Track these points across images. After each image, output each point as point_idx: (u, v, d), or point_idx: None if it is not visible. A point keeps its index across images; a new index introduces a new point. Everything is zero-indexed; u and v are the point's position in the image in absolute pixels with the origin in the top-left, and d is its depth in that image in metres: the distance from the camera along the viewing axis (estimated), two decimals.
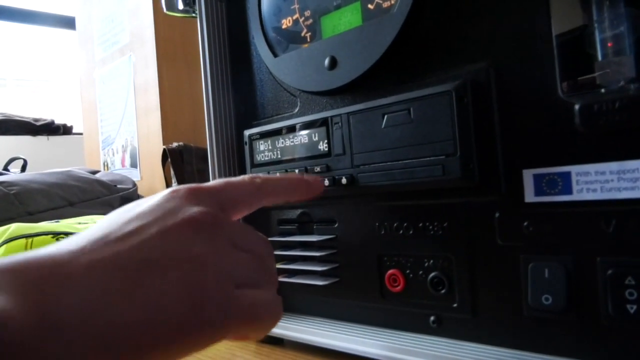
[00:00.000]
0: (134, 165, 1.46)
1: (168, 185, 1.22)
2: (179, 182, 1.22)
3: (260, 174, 0.29)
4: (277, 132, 0.38)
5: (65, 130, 2.33)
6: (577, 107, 0.25)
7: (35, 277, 0.19)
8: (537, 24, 0.26)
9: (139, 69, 1.40)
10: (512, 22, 0.27)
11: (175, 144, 1.25)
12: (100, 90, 1.57)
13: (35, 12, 2.54)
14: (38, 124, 2.24)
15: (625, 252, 0.24)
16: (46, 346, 0.17)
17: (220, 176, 0.42)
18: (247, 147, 0.41)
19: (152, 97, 1.37)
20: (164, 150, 1.23)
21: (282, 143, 0.38)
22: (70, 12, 2.20)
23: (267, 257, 0.27)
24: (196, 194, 0.25)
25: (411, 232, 0.32)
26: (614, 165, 0.25)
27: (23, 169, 1.51)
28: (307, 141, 0.36)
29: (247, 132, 0.41)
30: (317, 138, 0.35)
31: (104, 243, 0.21)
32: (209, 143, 0.42)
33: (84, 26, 1.62)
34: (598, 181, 0.25)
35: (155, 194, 0.25)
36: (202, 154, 1.28)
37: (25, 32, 2.73)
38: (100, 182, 1.10)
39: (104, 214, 1.02)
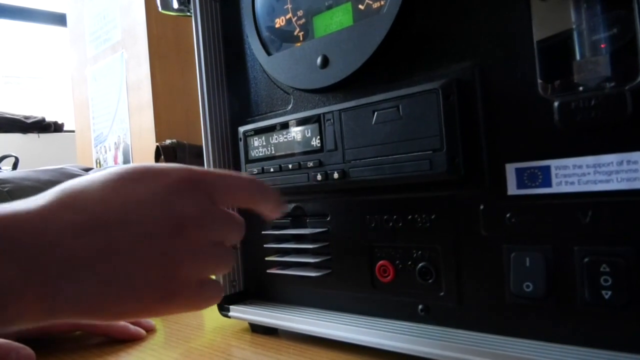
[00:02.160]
0: (126, 162, 1.46)
1: None
2: None
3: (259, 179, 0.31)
4: (271, 129, 0.39)
5: (57, 127, 2.31)
6: (556, 104, 0.27)
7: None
8: (518, 25, 0.28)
9: (131, 66, 1.40)
10: (496, 23, 0.29)
11: (168, 141, 1.25)
12: (92, 87, 1.57)
13: (25, 9, 2.52)
14: (29, 121, 2.22)
15: (600, 241, 0.26)
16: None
17: None
18: (241, 144, 0.42)
19: (145, 94, 1.37)
20: (157, 147, 1.23)
21: (276, 139, 0.39)
22: (61, 9, 2.18)
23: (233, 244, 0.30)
24: (194, 188, 0.27)
25: (400, 224, 0.34)
26: (590, 159, 0.26)
27: (14, 166, 1.51)
28: (300, 137, 0.37)
29: (241, 129, 0.42)
30: (310, 134, 0.37)
31: (104, 229, 0.24)
32: (204, 140, 0.43)
33: (75, 23, 1.62)
34: (575, 174, 0.27)
35: (152, 170, 0.27)
36: (195, 150, 1.29)
37: (15, 28, 2.71)
38: None
39: None
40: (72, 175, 1.07)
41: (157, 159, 1.26)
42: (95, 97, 1.56)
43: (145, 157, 1.37)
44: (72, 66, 1.65)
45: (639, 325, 0.25)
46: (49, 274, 0.23)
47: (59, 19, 2.28)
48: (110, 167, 0.28)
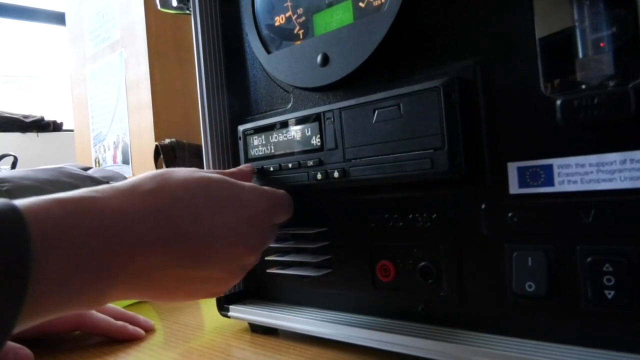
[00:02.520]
0: (125, 161, 1.46)
1: None
2: None
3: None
4: (270, 127, 0.39)
5: (56, 126, 2.31)
6: (558, 102, 0.26)
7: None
8: (520, 23, 0.28)
9: (131, 65, 1.40)
10: (497, 21, 0.28)
11: (167, 140, 1.25)
12: (91, 86, 1.56)
13: (24, 7, 2.51)
14: (27, 120, 2.22)
15: (603, 240, 0.26)
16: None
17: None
18: (241, 142, 0.42)
19: (144, 93, 1.36)
20: (156, 146, 1.23)
21: (276, 138, 0.39)
22: (60, 8, 2.18)
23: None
24: (270, 218, 0.34)
25: (401, 223, 0.33)
26: (593, 158, 0.26)
27: (13, 165, 1.50)
28: (300, 136, 0.37)
29: (241, 128, 0.42)
30: (310, 133, 0.36)
31: (183, 244, 0.27)
32: (204, 138, 0.43)
33: (74, 22, 1.61)
34: (578, 173, 0.26)
35: (239, 197, 0.31)
36: (194, 150, 1.28)
37: (14, 27, 2.70)
38: (92, 179, 1.10)
39: None
40: (72, 175, 1.07)
41: (156, 159, 1.25)
42: (94, 96, 1.56)
43: (144, 157, 1.37)
44: (71, 65, 1.64)
45: None
46: (125, 273, 0.25)
47: (58, 18, 2.28)
48: (193, 171, 0.31)
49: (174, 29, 1.37)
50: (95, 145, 1.55)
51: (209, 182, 0.30)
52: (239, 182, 0.32)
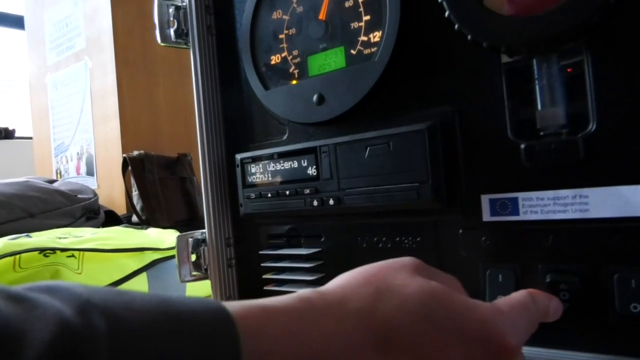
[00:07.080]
0: (90, 173, 1.44)
1: (128, 194, 1.22)
2: (140, 191, 1.21)
3: (537, 292, 0.28)
4: (268, 157, 0.43)
5: (7, 134, 2.21)
6: (522, 147, 0.32)
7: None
8: (490, 78, 0.33)
9: (96, 75, 1.38)
10: (471, 76, 0.34)
11: (136, 152, 1.24)
12: (53, 95, 1.52)
13: None
14: None
15: (559, 260, 0.31)
16: None
17: (212, 194, 0.46)
18: (238, 170, 0.45)
19: (111, 103, 1.35)
20: (125, 158, 1.22)
21: (274, 167, 0.43)
22: (18, 11, 2.09)
23: None
24: (497, 348, 0.24)
25: (389, 245, 0.38)
26: (550, 193, 0.31)
27: None
28: (297, 166, 0.41)
29: (238, 156, 0.45)
30: (306, 164, 0.40)
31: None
32: (202, 165, 0.46)
33: (34, 28, 1.57)
34: (539, 205, 0.32)
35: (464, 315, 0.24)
36: (163, 162, 1.28)
37: None
38: (60, 192, 1.08)
39: (65, 224, 1.00)
40: (39, 189, 1.05)
41: (124, 170, 1.25)
42: (56, 105, 1.52)
43: (110, 168, 1.35)
44: (31, 72, 1.59)
45: (597, 331, 0.30)
46: None
47: (15, 22, 2.18)
48: (411, 277, 0.26)
49: (143, 40, 1.37)
50: (57, 155, 1.51)
51: (432, 301, 0.24)
52: (470, 300, 0.26)
